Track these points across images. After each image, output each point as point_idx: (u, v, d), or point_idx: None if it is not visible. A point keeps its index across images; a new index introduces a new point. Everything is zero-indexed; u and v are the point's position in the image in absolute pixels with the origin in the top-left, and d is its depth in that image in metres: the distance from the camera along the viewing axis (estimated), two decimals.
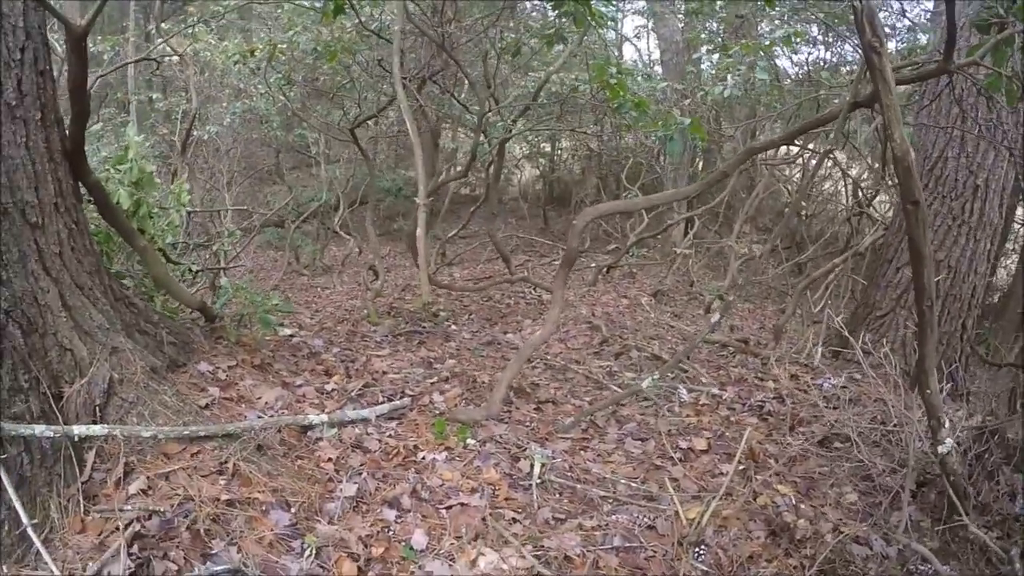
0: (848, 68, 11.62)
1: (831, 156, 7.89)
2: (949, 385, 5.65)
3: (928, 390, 3.41)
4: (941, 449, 3.41)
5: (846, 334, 5.56)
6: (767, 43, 7.41)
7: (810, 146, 9.19)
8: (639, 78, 6.20)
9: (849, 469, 4.20)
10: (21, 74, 3.33)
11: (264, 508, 3.29)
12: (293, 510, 3.34)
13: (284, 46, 8.01)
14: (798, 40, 8.22)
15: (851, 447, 4.34)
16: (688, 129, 5.08)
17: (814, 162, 10.90)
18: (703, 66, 13.43)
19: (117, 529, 2.99)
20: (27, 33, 3.36)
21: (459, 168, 11.18)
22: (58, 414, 3.31)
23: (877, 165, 9.83)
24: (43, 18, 3.55)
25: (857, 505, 3.87)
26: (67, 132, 3.77)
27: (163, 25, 10.88)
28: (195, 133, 10.12)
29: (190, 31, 9.76)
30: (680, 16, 13.17)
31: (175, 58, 10.08)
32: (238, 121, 11.03)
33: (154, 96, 12.74)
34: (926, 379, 3.41)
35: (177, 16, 12.27)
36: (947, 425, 3.42)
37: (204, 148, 11.40)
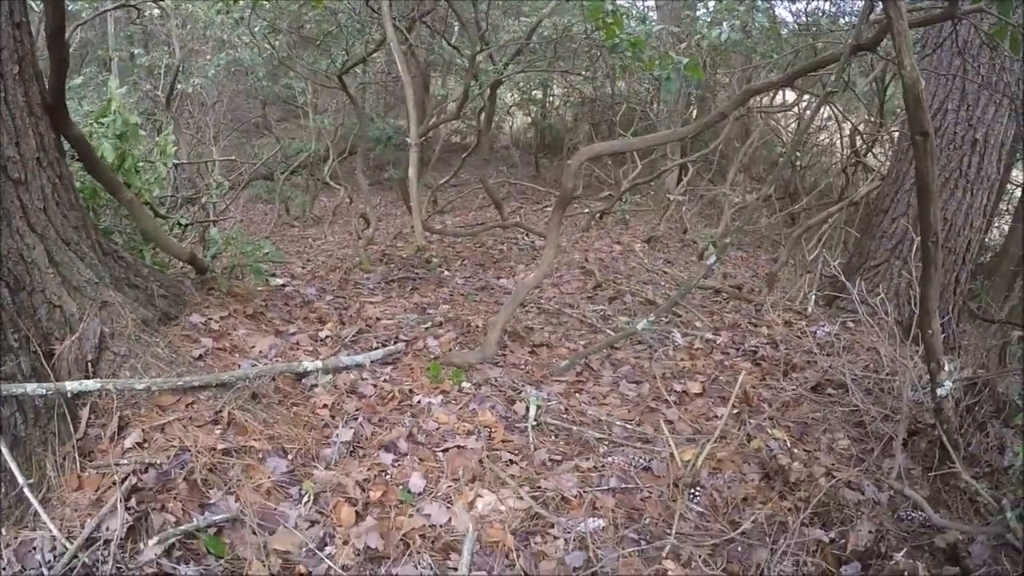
0: (847, 19, 11.44)
1: (830, 102, 7.80)
2: (942, 336, 5.66)
3: (930, 330, 3.40)
4: (940, 391, 3.41)
5: (843, 279, 5.56)
6: None
7: (809, 92, 9.07)
8: (633, 22, 6.09)
9: (842, 415, 4.26)
10: None
11: (261, 456, 3.30)
12: (290, 457, 3.35)
13: None
14: None
15: (844, 393, 4.40)
16: (684, 69, 5.00)
17: (811, 108, 10.85)
18: (698, 12, 13.27)
19: (114, 484, 3.00)
20: None
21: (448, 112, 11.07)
22: (50, 372, 3.30)
23: (874, 117, 9.76)
24: None
25: (849, 451, 3.92)
26: (47, 85, 3.71)
27: None
28: (179, 87, 10.00)
29: None
30: None
31: (156, 11, 9.94)
32: (223, 73, 10.89)
33: (135, 52, 12.56)
34: (928, 319, 3.39)
35: None
36: (947, 368, 3.42)
37: (189, 101, 11.27)
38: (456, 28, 8.98)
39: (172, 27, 9.69)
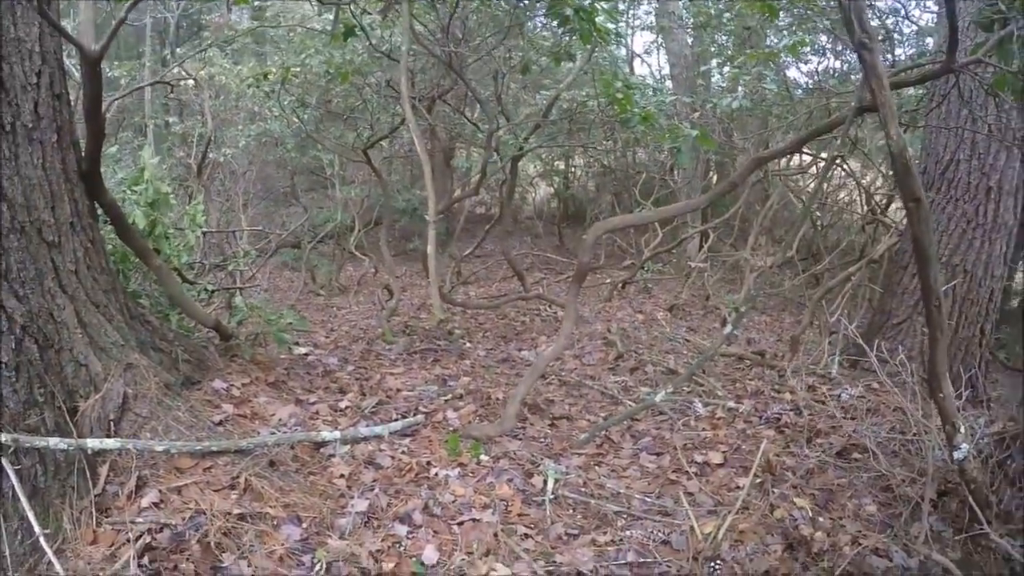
0: (856, 76, 11.56)
1: (839, 163, 7.84)
2: (969, 392, 5.58)
3: (941, 394, 3.37)
4: (957, 455, 3.36)
5: (860, 342, 5.51)
6: (774, 53, 7.41)
7: (821, 154, 9.13)
8: (648, 92, 6.21)
9: (868, 480, 4.15)
10: (37, 97, 3.40)
11: (275, 523, 3.30)
12: (304, 525, 3.35)
13: (297, 69, 8.09)
14: (805, 48, 8.22)
15: (870, 457, 4.28)
16: (696, 140, 5.08)
17: (848, 175, 10.91)
18: (713, 79, 13.45)
19: (128, 541, 3.02)
20: (43, 57, 3.43)
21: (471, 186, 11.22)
22: (73, 428, 3.35)
23: (890, 172, 9.77)
24: (59, 43, 3.63)
25: (876, 516, 3.82)
26: (83, 153, 3.83)
27: (178, 50, 11.06)
28: (211, 155, 10.22)
29: (204, 55, 9.88)
30: (689, 30, 13.22)
31: (190, 82, 10.21)
32: (253, 143, 11.13)
33: (170, 120, 12.88)
34: (938, 383, 3.37)
35: (193, 41, 12.42)
36: (962, 430, 3.36)
37: (220, 170, 11.50)
38: (478, 104, 9.17)
39: (205, 98, 9.93)
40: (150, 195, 4.85)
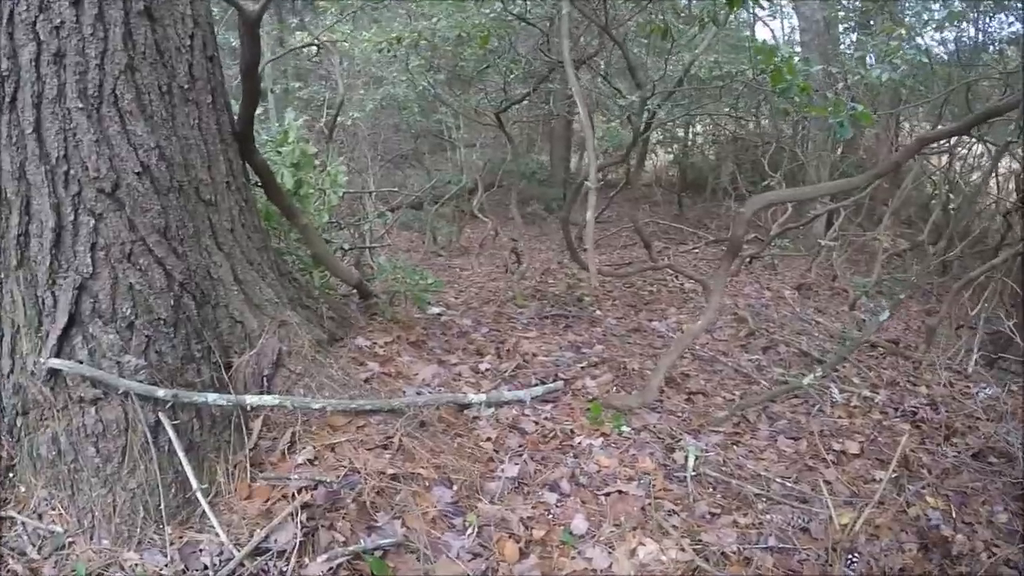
0: (994, 46, 10.83)
1: (1010, 152, 7.37)
2: None
3: None
4: None
5: (1018, 339, 5.21)
6: (915, 21, 7.01)
7: (985, 138, 8.61)
8: (795, 61, 5.95)
9: (1003, 486, 3.99)
10: (192, 59, 3.44)
11: (427, 484, 3.31)
12: (455, 488, 3.35)
13: (428, 33, 8.07)
14: (959, 19, 7.75)
15: (1006, 463, 4.16)
16: (856, 116, 4.82)
17: (983, 155, 10.29)
18: (841, 46, 12.84)
19: (284, 497, 3.08)
20: (195, 20, 3.47)
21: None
22: (228, 383, 3.42)
23: None
24: (208, 6, 3.66)
25: (1010, 525, 3.66)
26: (237, 115, 3.88)
27: (305, 19, 11.21)
28: (340, 119, 10.35)
29: (332, 23, 9.97)
30: None
31: (312, 50, 10.31)
32: (377, 107, 11.21)
33: (293, 85, 13.09)
34: None
35: (311, 8, 12.54)
36: None
37: (344, 133, 11.64)
38: (607, 68, 8.97)
39: (336, 63, 10.03)
40: (296, 156, 4.92)
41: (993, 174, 9.83)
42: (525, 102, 11.38)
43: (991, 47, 10.72)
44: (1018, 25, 9.80)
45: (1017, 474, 4.00)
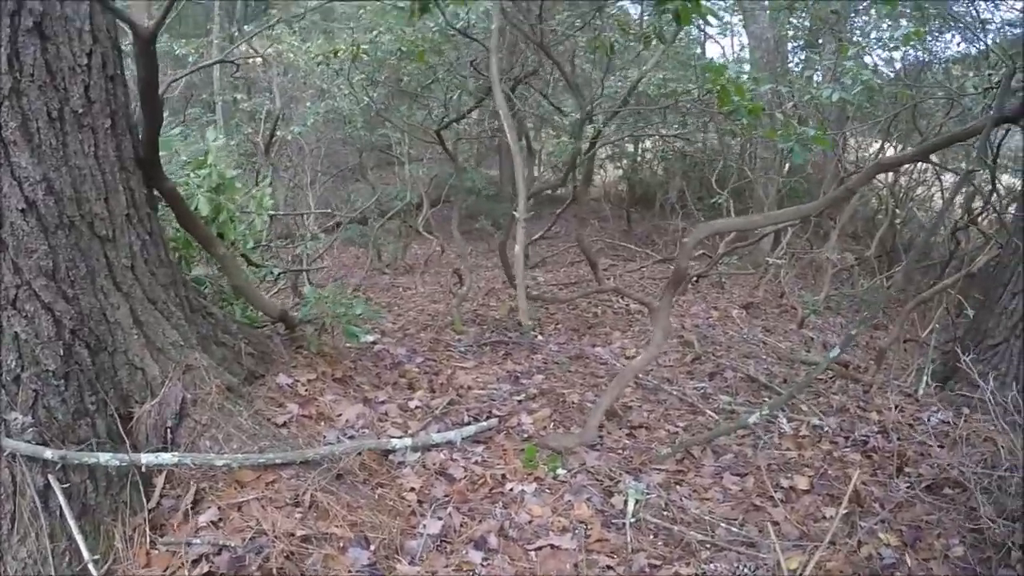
0: (939, 65, 10.87)
1: (970, 180, 7.29)
2: None
3: None
4: None
5: (969, 368, 5.08)
6: (863, 40, 6.92)
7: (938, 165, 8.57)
8: (744, 79, 5.80)
9: (957, 518, 3.84)
10: (89, 80, 3.15)
11: (342, 545, 3.05)
12: (372, 547, 3.10)
13: (367, 47, 7.84)
14: (916, 39, 7.67)
15: (961, 493, 4.00)
16: (812, 140, 4.66)
17: (927, 169, 10.30)
18: (789, 64, 12.82)
19: (183, 564, 2.82)
20: (94, 37, 3.18)
21: (543, 172, 10.87)
22: (126, 436, 3.16)
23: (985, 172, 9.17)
24: (113, 20, 3.38)
25: (965, 561, 3.51)
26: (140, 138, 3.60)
27: (246, 27, 10.91)
28: (279, 133, 10.07)
29: (272, 33, 9.70)
30: (771, 13, 12.63)
31: (258, 60, 10.05)
32: (321, 121, 10.94)
33: (238, 97, 12.78)
34: None
35: (261, 18, 12.28)
36: None
37: (288, 148, 11.36)
38: (551, 86, 8.81)
39: (274, 76, 9.76)
40: (214, 179, 4.63)
41: (939, 188, 9.83)
42: (474, 116, 11.21)
43: (936, 67, 10.74)
44: (964, 45, 9.83)
45: (973, 504, 3.84)
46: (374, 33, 7.74)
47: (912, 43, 7.03)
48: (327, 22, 13.22)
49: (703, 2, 4.60)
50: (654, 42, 6.32)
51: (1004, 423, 4.29)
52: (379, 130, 12.25)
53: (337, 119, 11.31)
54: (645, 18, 6.77)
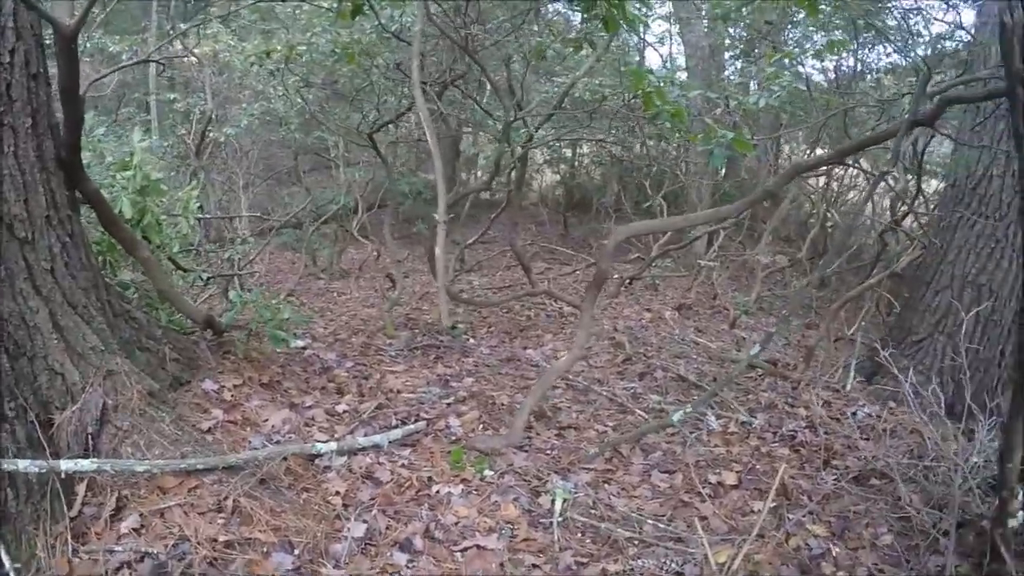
0: (872, 75, 11.22)
1: (885, 180, 7.52)
2: (992, 419, 5.36)
3: (1009, 464, 3.10)
4: (1012, 523, 3.14)
5: (888, 363, 5.26)
6: (797, 50, 7.09)
7: (865, 166, 8.80)
8: (672, 85, 5.90)
9: (885, 508, 3.96)
10: (11, 78, 3.12)
11: (266, 550, 3.05)
12: (297, 552, 3.09)
13: (303, 48, 7.78)
14: (840, 48, 7.90)
15: (888, 483, 4.11)
16: (732, 143, 4.77)
17: (858, 174, 10.57)
18: (726, 73, 13.06)
19: (106, 573, 2.79)
20: (17, 34, 3.14)
21: (481, 176, 10.90)
22: (47, 443, 3.11)
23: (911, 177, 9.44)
24: (38, 18, 3.33)
25: (894, 548, 3.62)
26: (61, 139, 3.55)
27: (181, 25, 10.72)
28: (212, 135, 9.94)
29: (208, 32, 9.57)
30: (704, 21, 12.85)
31: (193, 59, 9.91)
32: (256, 123, 10.83)
33: (173, 96, 12.57)
34: (1011, 452, 3.11)
35: (199, 16, 12.07)
36: (1020, 496, 3.12)
37: (222, 150, 11.22)
38: (487, 89, 8.85)
39: (207, 76, 9.63)
40: (139, 181, 4.58)
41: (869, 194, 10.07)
42: (413, 119, 11.18)
43: (868, 76, 11.07)
44: (895, 56, 10.12)
45: (899, 494, 3.96)
46: (308, 35, 7.70)
47: (839, 52, 7.22)
48: (266, 22, 13.10)
49: (632, 11, 4.71)
50: (585, 49, 6.42)
51: (927, 416, 4.43)
52: (315, 133, 12.17)
53: (273, 121, 11.22)
54: (578, 25, 6.84)
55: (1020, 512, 3.10)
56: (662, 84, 4.58)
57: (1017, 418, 3.08)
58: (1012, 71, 2.74)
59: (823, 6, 6.58)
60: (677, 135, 5.41)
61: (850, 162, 6.31)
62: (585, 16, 4.89)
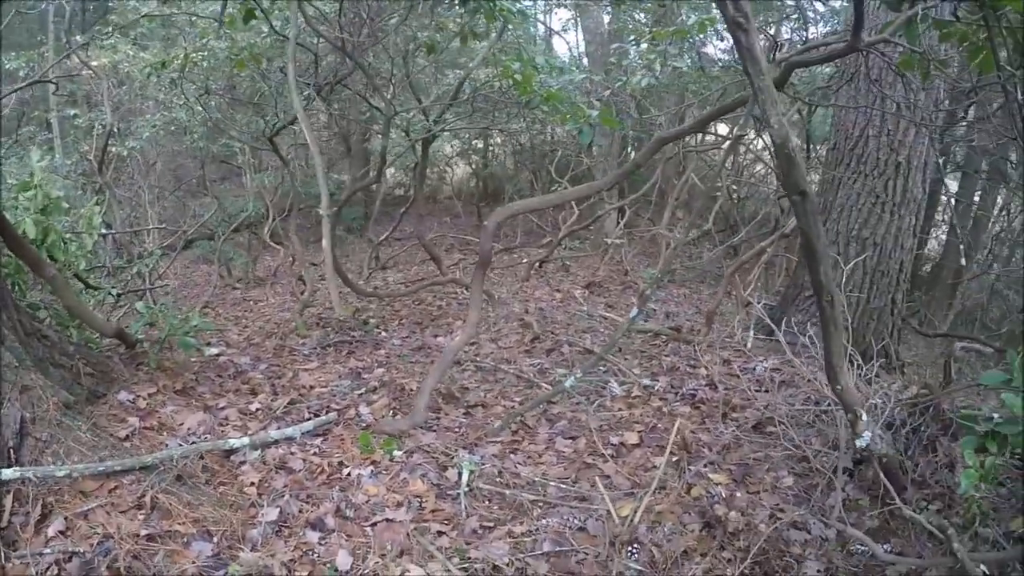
0: (773, 54, 11.72)
1: (742, 143, 7.94)
2: (883, 360, 5.73)
3: (839, 386, 3.40)
4: (859, 443, 3.42)
5: (767, 321, 5.63)
6: (682, 31, 7.41)
7: (728, 132, 9.25)
8: (554, 71, 6.19)
9: (784, 453, 4.22)
10: None
11: (185, 540, 3.26)
12: (215, 540, 3.31)
13: (203, 55, 7.86)
14: (712, 27, 8.29)
15: (786, 430, 4.34)
16: (599, 119, 5.10)
17: (765, 148, 11.04)
18: (630, 55, 13.42)
19: (37, 575, 2.96)
20: None
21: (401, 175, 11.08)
22: None
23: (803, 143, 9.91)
24: None
25: (794, 489, 3.90)
26: None
27: (77, 38, 10.62)
28: (114, 149, 9.89)
29: (107, 43, 9.52)
30: (607, 7, 13.20)
31: (92, 72, 9.82)
32: (160, 134, 10.79)
33: (74, 112, 12.39)
34: (835, 375, 3.40)
35: (96, 28, 11.91)
36: (864, 418, 3.42)
37: (128, 163, 11.14)
38: (392, 87, 9.03)
39: (104, 89, 9.59)
40: (40, 201, 4.70)
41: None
42: (323, 119, 11.25)
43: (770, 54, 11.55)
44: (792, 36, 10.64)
45: (795, 440, 4.22)
46: (204, 40, 7.77)
47: (704, 31, 7.59)
48: (165, 28, 12.92)
49: (507, 4, 4.99)
50: (478, 40, 6.67)
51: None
52: (221, 140, 12.15)
53: (178, 131, 11.18)
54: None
55: (866, 432, 3.40)
56: (532, 71, 4.86)
57: (831, 341, 3.38)
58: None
59: None
60: (553, 118, 5.69)
61: (711, 131, 6.66)
62: (461, 9, 5.14)
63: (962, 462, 3.47)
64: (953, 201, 11.24)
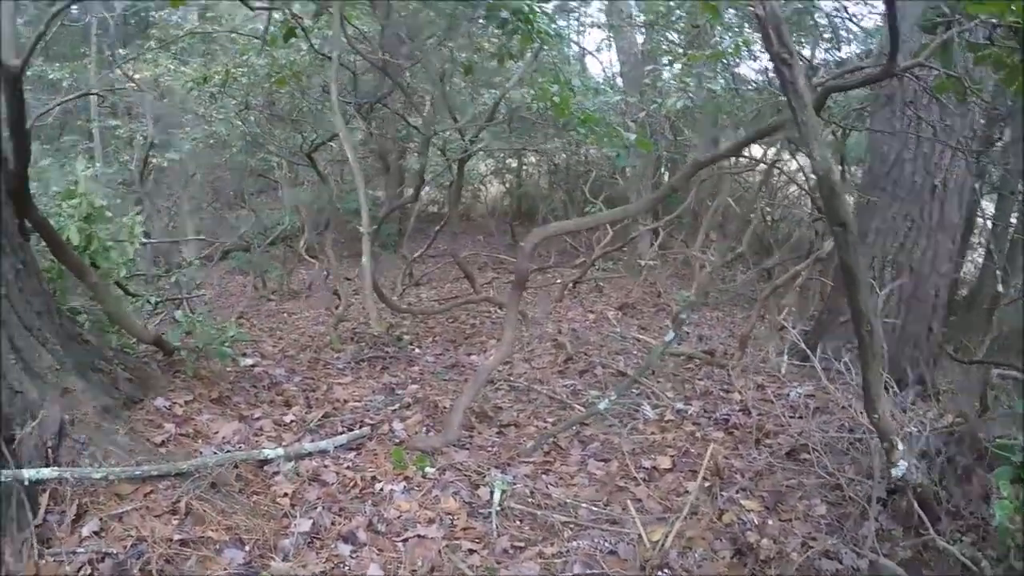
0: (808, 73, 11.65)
1: (779, 168, 7.90)
2: (918, 388, 5.64)
3: (876, 415, 3.36)
4: (895, 472, 3.38)
5: (802, 346, 5.56)
6: (719, 53, 7.42)
7: (762, 154, 9.21)
8: (589, 92, 6.20)
9: (818, 480, 4.16)
10: None
11: (218, 547, 3.27)
12: (247, 548, 3.32)
13: (243, 70, 7.97)
14: (747, 49, 8.28)
15: (820, 457, 4.28)
16: (635, 144, 5.10)
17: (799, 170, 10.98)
18: (664, 76, 13.44)
19: (70, 573, 2.98)
20: None
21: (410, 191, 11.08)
22: (9, 457, 3.29)
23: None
24: None
25: (827, 517, 3.84)
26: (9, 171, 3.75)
27: (120, 51, 10.81)
28: (154, 161, 10.04)
29: (149, 57, 9.68)
30: (640, 28, 13.20)
31: (132, 85, 9.99)
32: (200, 147, 10.93)
33: (115, 123, 12.59)
34: (872, 405, 3.35)
35: (137, 41, 12.11)
36: (900, 447, 3.37)
37: (167, 175, 11.29)
38: (430, 106, 9.09)
39: (148, 102, 9.74)
40: (84, 209, 4.77)
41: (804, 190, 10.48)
42: (359, 137, 11.33)
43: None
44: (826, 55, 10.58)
45: (832, 468, 4.14)
46: (244, 57, 7.87)
47: (745, 52, 7.55)
48: (205, 44, 13.12)
49: (544, 26, 5.01)
50: (514, 61, 6.69)
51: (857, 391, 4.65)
52: (259, 154, 12.28)
53: (217, 144, 11.32)
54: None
55: (902, 462, 3.36)
56: (570, 93, 4.87)
57: (868, 370, 3.33)
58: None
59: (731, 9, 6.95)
60: (590, 140, 5.70)
61: (745, 152, 6.63)
62: (499, 31, 5.17)
63: (997, 493, 3.39)
64: (990, 224, 11.07)
